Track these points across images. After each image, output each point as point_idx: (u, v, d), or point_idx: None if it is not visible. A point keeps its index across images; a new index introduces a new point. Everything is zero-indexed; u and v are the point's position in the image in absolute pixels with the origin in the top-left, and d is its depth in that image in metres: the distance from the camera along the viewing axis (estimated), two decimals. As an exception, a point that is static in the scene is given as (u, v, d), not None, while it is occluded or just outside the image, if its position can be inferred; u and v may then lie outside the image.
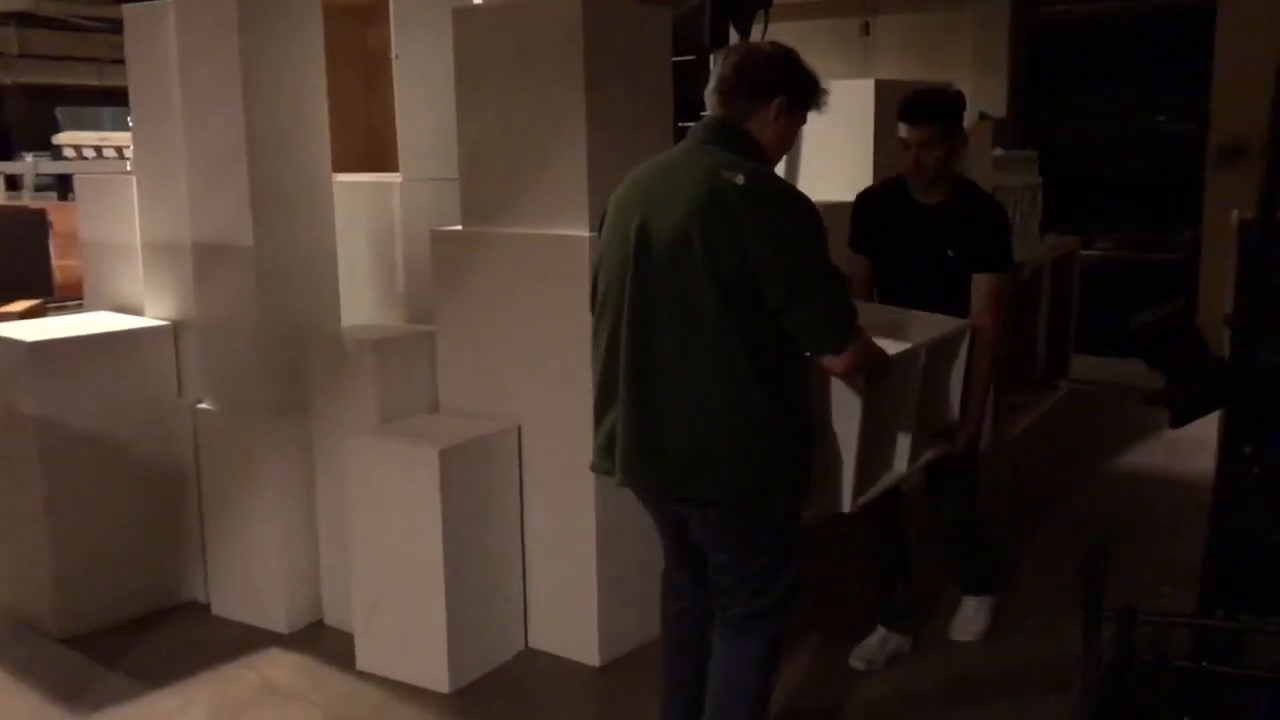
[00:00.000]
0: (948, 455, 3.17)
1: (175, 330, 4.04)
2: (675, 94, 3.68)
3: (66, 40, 14.29)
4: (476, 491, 3.40)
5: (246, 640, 3.74)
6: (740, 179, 2.32)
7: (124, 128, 10.66)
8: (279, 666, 3.58)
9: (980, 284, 3.19)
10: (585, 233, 3.28)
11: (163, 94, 3.96)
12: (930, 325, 3.00)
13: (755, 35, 6.17)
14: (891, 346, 2.69)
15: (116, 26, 4.20)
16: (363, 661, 3.51)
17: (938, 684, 3.39)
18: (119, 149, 9.25)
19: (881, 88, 4.79)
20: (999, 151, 6.54)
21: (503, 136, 3.50)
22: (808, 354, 2.41)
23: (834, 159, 4.74)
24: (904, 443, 2.92)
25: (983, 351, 3.17)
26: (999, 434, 5.90)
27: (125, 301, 4.28)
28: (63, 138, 10.62)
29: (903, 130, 3.18)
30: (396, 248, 4.10)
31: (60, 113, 13.96)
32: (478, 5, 3.84)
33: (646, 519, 2.73)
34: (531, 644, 3.64)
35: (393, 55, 4.05)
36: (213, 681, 3.48)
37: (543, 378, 3.47)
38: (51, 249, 6.29)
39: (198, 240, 3.84)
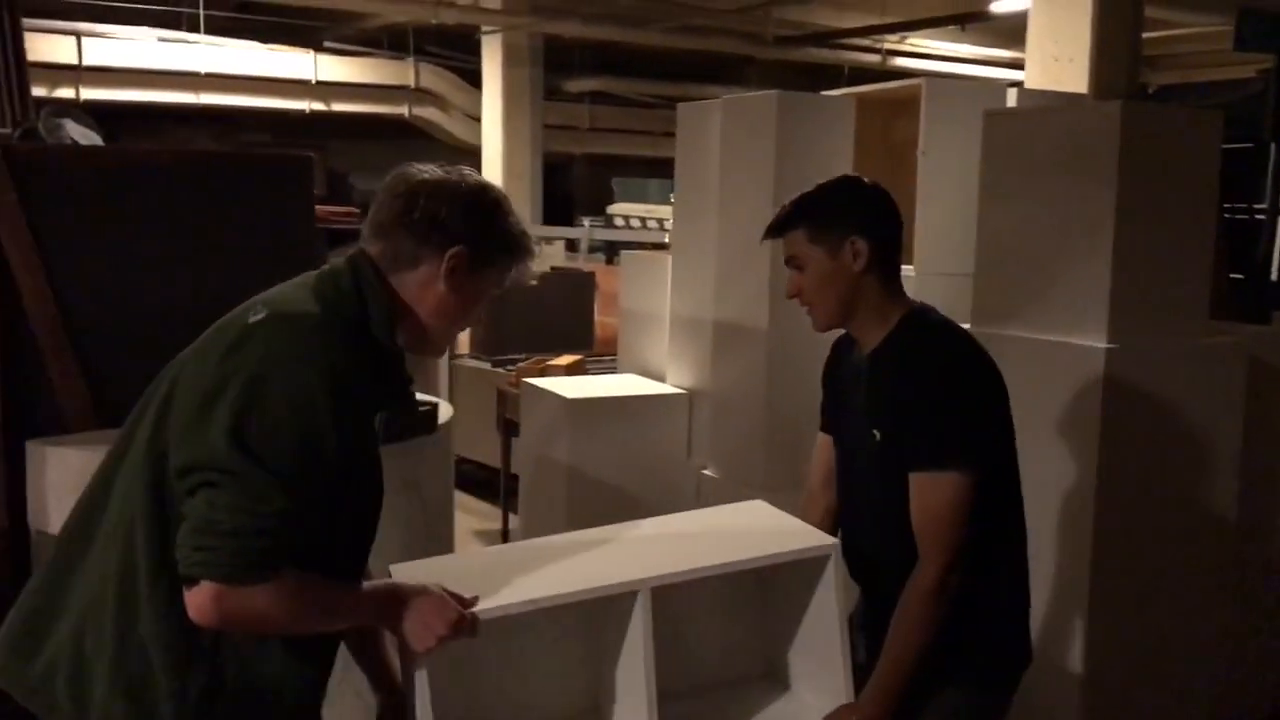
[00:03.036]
0: None
1: (691, 398, 4.38)
2: (1227, 182, 3.44)
3: (626, 115, 16.01)
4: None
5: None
6: (259, 315, 1.61)
7: (665, 199, 11.75)
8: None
9: (912, 489, 1.94)
10: (1102, 344, 3.13)
11: (704, 183, 4.33)
12: (755, 543, 1.98)
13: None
14: (579, 580, 1.82)
15: (669, 102, 4.66)
16: None
17: None
18: (660, 221, 10.20)
19: None
20: None
21: (1023, 238, 3.44)
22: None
23: None
24: None
25: (907, 607, 1.92)
26: None
27: (651, 367, 4.71)
28: (615, 208, 11.93)
29: None
30: (903, 338, 4.15)
31: (616, 183, 15.64)
32: (1011, 109, 3.82)
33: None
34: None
35: (919, 150, 4.13)
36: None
37: (1041, 492, 3.33)
38: (596, 307, 7.05)
39: (719, 318, 4.15)
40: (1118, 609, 3.11)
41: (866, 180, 2.18)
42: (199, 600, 1.50)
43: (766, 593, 2.11)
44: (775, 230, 2.10)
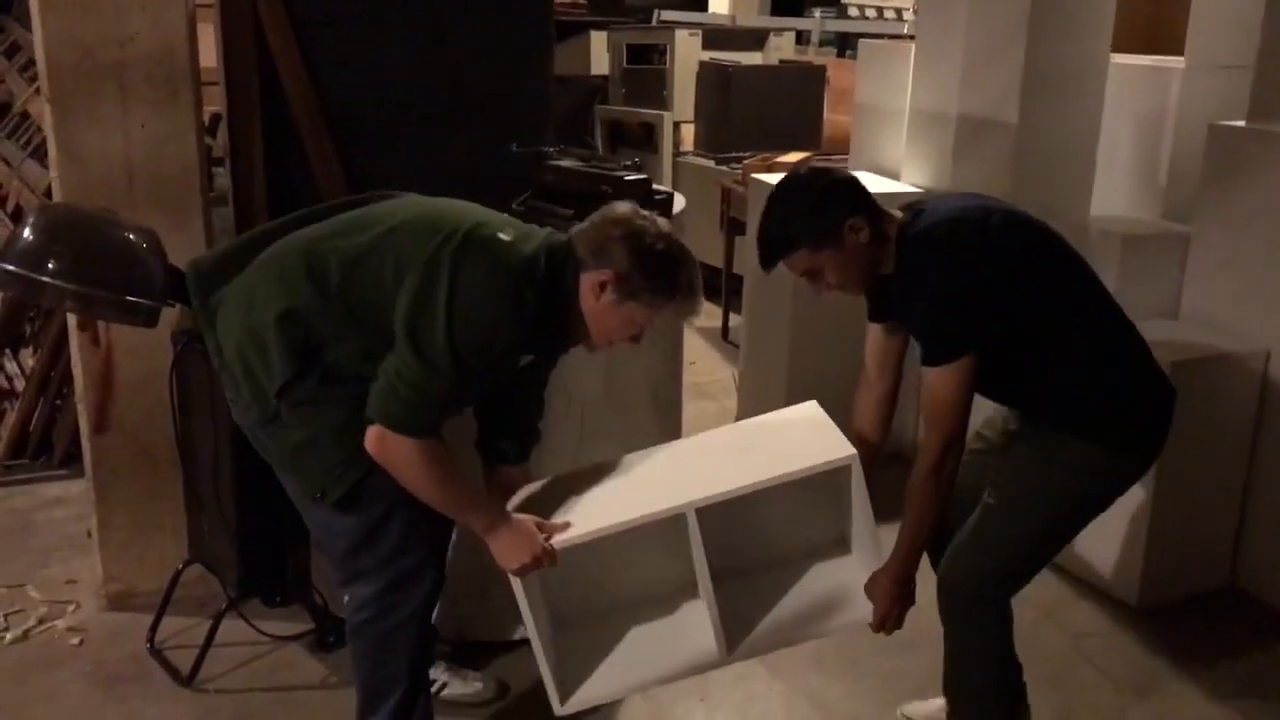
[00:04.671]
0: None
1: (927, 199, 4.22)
2: None
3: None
4: (1201, 410, 3.17)
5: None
6: (507, 236, 2.10)
7: (905, -12, 11.04)
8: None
9: (923, 379, 2.16)
10: (1404, 145, 2.83)
11: (954, -34, 4.05)
12: (788, 461, 2.15)
13: None
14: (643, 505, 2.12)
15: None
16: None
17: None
18: (898, 11, 9.59)
19: None
20: None
21: (1319, 25, 3.10)
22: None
23: None
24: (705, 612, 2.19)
25: (913, 485, 2.17)
26: None
27: (885, 164, 4.55)
28: (852, -4, 11.29)
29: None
30: (1164, 137, 3.88)
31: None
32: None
33: None
34: (1238, 581, 3.40)
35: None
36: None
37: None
38: (825, 103, 6.79)
39: (964, 113, 3.95)
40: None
41: (803, 170, 2.30)
42: (371, 435, 2.04)
43: (810, 489, 2.30)
44: (772, 262, 2.19)
